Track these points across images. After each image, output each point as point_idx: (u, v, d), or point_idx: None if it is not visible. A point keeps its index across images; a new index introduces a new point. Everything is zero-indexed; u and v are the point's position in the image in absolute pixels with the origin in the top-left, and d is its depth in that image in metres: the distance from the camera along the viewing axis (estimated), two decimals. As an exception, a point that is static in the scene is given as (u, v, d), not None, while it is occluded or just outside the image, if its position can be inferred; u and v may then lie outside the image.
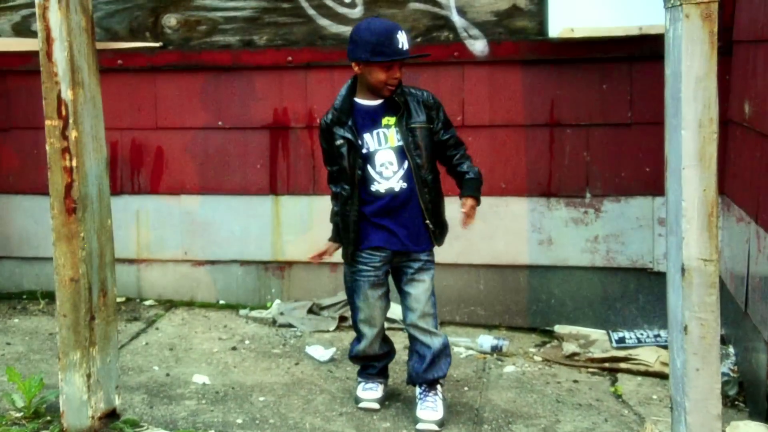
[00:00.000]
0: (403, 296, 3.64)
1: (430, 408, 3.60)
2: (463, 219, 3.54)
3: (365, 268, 3.60)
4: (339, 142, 3.52)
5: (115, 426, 3.53)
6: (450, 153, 3.61)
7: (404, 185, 3.53)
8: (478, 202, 3.58)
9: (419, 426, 3.56)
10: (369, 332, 3.69)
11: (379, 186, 3.53)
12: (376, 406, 3.77)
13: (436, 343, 3.61)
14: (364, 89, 3.53)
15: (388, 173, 3.52)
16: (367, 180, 3.53)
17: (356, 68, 3.49)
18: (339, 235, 3.66)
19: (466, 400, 3.92)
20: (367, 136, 3.53)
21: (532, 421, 3.72)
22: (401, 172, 3.53)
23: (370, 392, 3.81)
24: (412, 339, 3.65)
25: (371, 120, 3.53)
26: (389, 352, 3.85)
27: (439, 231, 3.63)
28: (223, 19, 4.99)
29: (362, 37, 3.44)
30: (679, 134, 2.92)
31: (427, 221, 3.56)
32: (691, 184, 2.93)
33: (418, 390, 3.69)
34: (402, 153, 3.51)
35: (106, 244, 3.51)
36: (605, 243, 4.77)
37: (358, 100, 3.56)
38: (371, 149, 3.52)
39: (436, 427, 3.54)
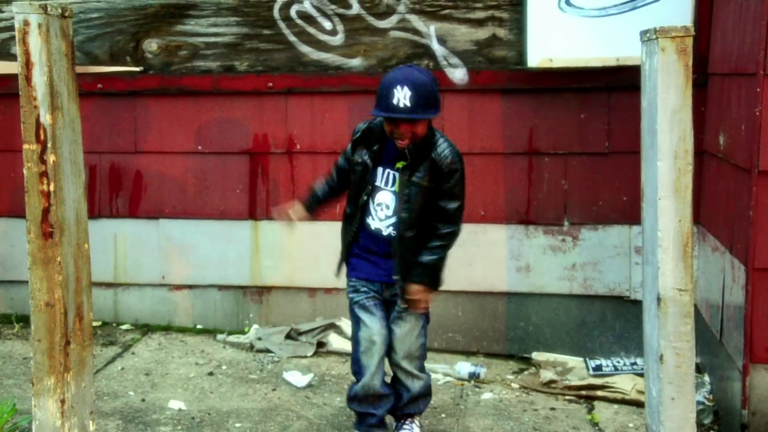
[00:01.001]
0: (390, 334, 3.52)
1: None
2: (410, 306, 3.45)
3: (358, 295, 3.53)
4: (359, 160, 3.44)
5: (89, 452, 3.49)
6: (433, 223, 3.42)
7: (392, 232, 3.43)
8: (425, 287, 3.42)
9: None
10: (371, 362, 3.46)
11: (372, 222, 3.46)
12: None
13: (416, 386, 3.58)
14: None
15: (381, 215, 3.44)
16: (366, 210, 3.47)
17: None
18: (311, 204, 3.66)
19: (443, 428, 3.91)
20: (379, 170, 3.44)
21: (509, 449, 3.72)
22: (393, 220, 3.43)
23: None
24: (394, 376, 3.61)
25: (391, 157, 3.41)
26: (390, 394, 3.60)
27: (435, 283, 3.51)
28: (204, 45, 5.00)
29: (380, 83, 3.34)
30: (655, 165, 2.95)
31: (396, 276, 3.44)
32: (667, 214, 2.95)
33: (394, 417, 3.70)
34: (399, 200, 3.42)
35: (83, 268, 3.49)
36: (583, 271, 4.79)
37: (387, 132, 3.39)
38: (376, 184, 3.44)
39: None
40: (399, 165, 3.39)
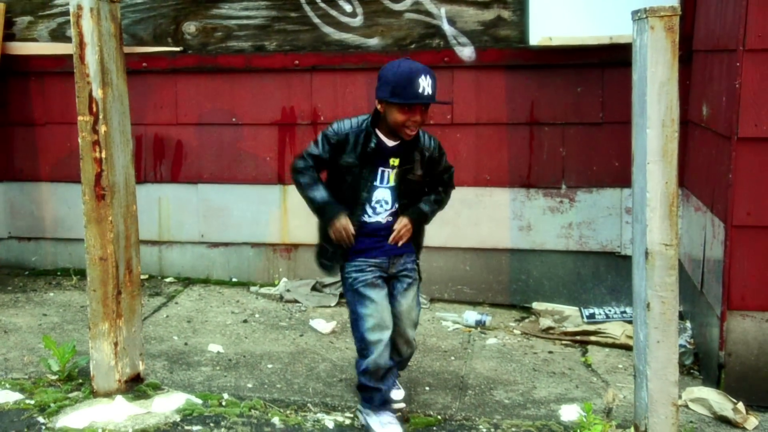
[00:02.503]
0: (393, 303, 3.28)
1: (395, 387, 3.37)
2: (392, 235, 3.24)
3: (362, 274, 3.24)
4: (353, 162, 3.18)
5: (140, 388, 3.56)
6: (431, 187, 3.35)
7: (391, 219, 3.25)
8: (412, 224, 3.25)
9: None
10: (382, 337, 3.18)
11: (369, 218, 3.24)
12: None
13: (408, 352, 3.39)
14: (384, 127, 3.16)
15: (380, 210, 3.24)
16: (363, 208, 3.24)
17: (378, 106, 3.14)
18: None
19: (452, 369, 3.95)
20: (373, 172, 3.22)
21: (512, 387, 3.75)
22: (393, 209, 3.26)
23: (393, 428, 3.24)
24: (392, 341, 3.26)
25: (383, 157, 3.19)
26: (394, 365, 3.32)
27: (418, 248, 3.41)
28: (237, 27, 5.00)
29: (386, 77, 3.09)
30: (645, 133, 2.95)
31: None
32: (655, 177, 2.96)
33: None
34: (397, 192, 3.25)
35: (131, 226, 3.54)
36: (578, 229, 4.79)
37: (379, 133, 3.18)
38: (375, 183, 3.22)
39: (403, 404, 3.40)
40: (395, 162, 3.20)
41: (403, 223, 3.24)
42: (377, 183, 3.22)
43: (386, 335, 3.19)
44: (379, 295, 3.23)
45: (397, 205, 3.26)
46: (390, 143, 3.19)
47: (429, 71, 3.07)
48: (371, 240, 3.25)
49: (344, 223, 3.16)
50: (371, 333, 3.18)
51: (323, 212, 3.23)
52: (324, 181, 3.28)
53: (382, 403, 3.27)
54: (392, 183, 3.23)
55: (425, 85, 3.04)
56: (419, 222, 3.31)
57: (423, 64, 3.10)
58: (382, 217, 3.26)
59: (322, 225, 3.28)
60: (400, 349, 3.34)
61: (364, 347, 3.21)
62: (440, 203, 3.37)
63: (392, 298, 3.30)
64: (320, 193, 3.23)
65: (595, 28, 4.47)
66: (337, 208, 3.19)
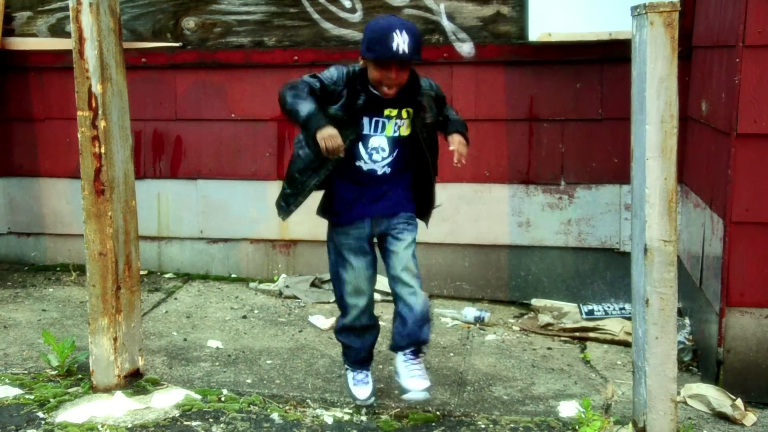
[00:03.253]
0: (387, 255, 3.27)
1: (418, 376, 3.22)
2: (455, 155, 3.19)
3: (346, 238, 3.26)
4: (339, 112, 3.10)
5: (139, 384, 3.56)
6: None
7: (387, 170, 3.22)
8: (465, 138, 3.26)
9: (410, 396, 3.23)
10: (358, 303, 3.27)
11: (364, 165, 3.19)
12: (371, 401, 3.42)
13: (419, 302, 3.18)
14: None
15: (377, 157, 3.19)
16: (354, 155, 3.18)
17: (361, 62, 3.12)
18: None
19: (451, 365, 3.96)
20: (365, 120, 3.14)
21: (510, 383, 3.75)
22: (389, 159, 3.21)
23: (363, 388, 3.41)
24: (396, 297, 3.24)
25: (375, 106, 3.12)
26: (375, 324, 3.41)
27: (426, 204, 3.37)
28: (237, 22, 4.99)
29: (365, 32, 3.07)
30: (644, 129, 2.95)
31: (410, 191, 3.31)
32: (654, 173, 2.96)
33: (401, 357, 3.27)
34: (395, 143, 3.19)
35: (130, 222, 3.54)
36: (577, 226, 4.79)
37: (370, 86, 3.12)
38: (364, 132, 3.16)
39: (427, 395, 3.26)
40: (392, 112, 3.14)
41: (458, 139, 3.23)
42: (369, 131, 3.16)
43: (362, 301, 3.28)
44: (360, 262, 3.25)
45: (396, 154, 3.21)
46: (379, 94, 3.12)
47: (408, 27, 2.98)
48: (360, 194, 3.23)
49: (332, 132, 2.96)
50: (349, 297, 3.29)
51: (308, 122, 3.00)
52: (312, 98, 3.06)
53: (357, 361, 3.43)
54: (390, 133, 3.17)
55: (400, 41, 2.94)
56: (466, 132, 3.31)
57: (405, 20, 3.05)
58: (379, 166, 3.22)
59: (310, 142, 3.10)
60: (403, 297, 3.20)
61: (342, 308, 3.36)
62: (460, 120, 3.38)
63: (385, 250, 3.29)
64: (308, 106, 3.01)
65: (595, 24, 4.46)
66: (322, 118, 2.99)
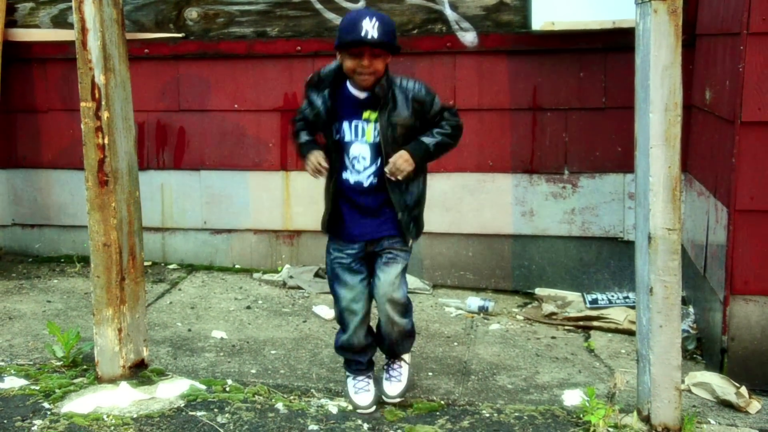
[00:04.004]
0: (375, 275, 3.22)
1: (394, 379, 3.39)
2: (388, 168, 3.06)
3: (340, 255, 3.24)
4: (317, 110, 3.13)
5: (144, 374, 3.57)
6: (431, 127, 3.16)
7: (374, 181, 3.13)
8: (412, 157, 3.05)
9: (385, 399, 3.37)
10: (352, 320, 3.27)
11: (350, 176, 3.15)
12: (372, 410, 3.32)
13: (394, 333, 3.28)
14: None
15: (359, 167, 3.13)
16: (340, 166, 3.16)
17: (338, 58, 3.08)
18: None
19: (455, 354, 3.96)
20: (345, 125, 3.11)
21: (515, 372, 3.76)
22: (373, 168, 3.12)
23: (363, 395, 3.34)
24: (380, 315, 3.26)
25: (353, 109, 3.10)
26: (373, 343, 3.39)
27: (414, 227, 3.21)
28: (239, 12, 4.98)
29: (339, 25, 3.07)
30: (648, 117, 2.94)
31: (399, 217, 3.15)
32: (658, 161, 2.95)
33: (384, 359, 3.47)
34: (377, 149, 3.09)
35: (134, 213, 3.54)
36: (581, 215, 4.79)
37: (348, 84, 3.11)
38: (346, 139, 3.12)
39: (399, 399, 3.37)
40: (371, 115, 3.08)
41: (398, 155, 3.05)
42: (351, 138, 3.12)
43: (356, 318, 3.26)
44: (353, 278, 3.24)
45: (379, 163, 3.10)
46: (360, 94, 3.09)
47: (378, 15, 2.96)
48: (352, 212, 3.19)
49: (315, 155, 3.12)
50: (344, 313, 3.29)
51: (300, 153, 3.25)
52: (307, 127, 3.25)
53: (359, 371, 3.40)
54: (370, 139, 3.09)
55: (369, 27, 2.91)
56: (419, 154, 3.08)
57: (378, 12, 3.01)
58: (363, 177, 3.14)
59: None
60: (383, 328, 3.28)
61: (340, 323, 3.36)
62: (444, 135, 3.13)
63: (374, 270, 3.24)
64: (301, 138, 3.26)
65: (598, 13, 4.45)
66: (310, 147, 3.19)
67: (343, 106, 3.11)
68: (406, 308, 3.27)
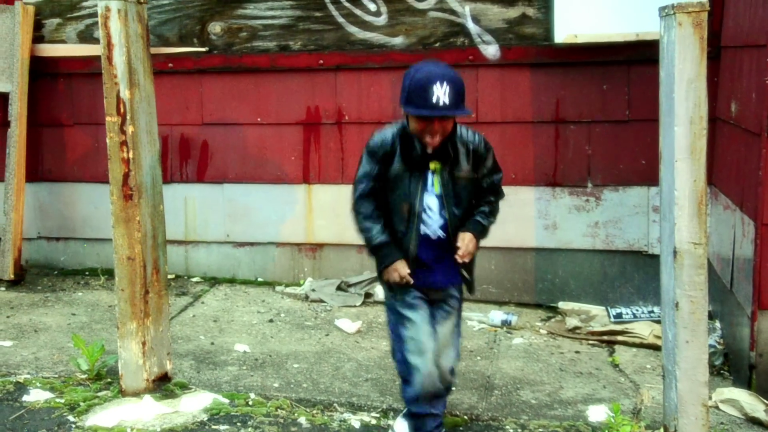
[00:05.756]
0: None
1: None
2: (458, 252, 2.99)
3: (405, 295, 3.06)
4: (399, 171, 2.98)
5: (167, 388, 3.58)
6: (480, 196, 3.10)
7: (442, 234, 3.02)
8: (476, 240, 3.03)
9: None
10: (422, 363, 2.99)
11: (424, 228, 3.02)
12: None
13: (442, 388, 3.10)
14: None
15: (428, 220, 3.01)
16: (420, 218, 3.02)
17: (402, 113, 2.98)
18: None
19: (478, 368, 3.94)
20: (414, 178, 3.00)
21: (538, 387, 3.73)
22: (440, 221, 3.01)
23: None
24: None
25: (424, 162, 2.98)
26: (446, 392, 3.17)
27: (471, 278, 3.15)
28: (262, 27, 5.01)
29: (404, 83, 2.89)
30: (672, 130, 2.92)
31: (462, 271, 3.09)
32: (683, 175, 2.93)
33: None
34: (441, 201, 3.01)
35: (158, 226, 3.56)
36: (605, 228, 4.76)
37: (414, 138, 2.98)
38: (415, 191, 3.01)
39: None
40: (433, 167, 2.99)
41: (467, 239, 2.99)
42: (420, 189, 3.00)
43: (428, 360, 3.00)
44: (420, 316, 3.04)
45: (445, 215, 3.01)
46: (429, 142, 2.95)
47: (448, 77, 2.83)
48: (420, 268, 3.04)
49: (400, 268, 2.99)
50: (413, 356, 3.01)
51: (378, 256, 3.05)
52: (380, 214, 3.04)
53: (436, 428, 3.11)
54: (437, 191, 3.00)
55: (440, 94, 2.80)
56: (480, 235, 3.06)
57: (446, 69, 2.89)
58: (431, 231, 3.02)
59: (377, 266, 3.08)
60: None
61: (406, 372, 3.04)
62: (493, 214, 3.13)
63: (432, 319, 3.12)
64: (375, 232, 3.02)
65: (621, 25, 4.43)
66: (393, 255, 3.00)
67: (411, 160, 2.99)
68: (455, 360, 3.17)
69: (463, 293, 3.20)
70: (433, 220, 3.03)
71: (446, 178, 3.00)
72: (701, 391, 3.01)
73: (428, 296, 3.10)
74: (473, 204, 3.08)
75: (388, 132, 3.03)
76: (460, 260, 2.99)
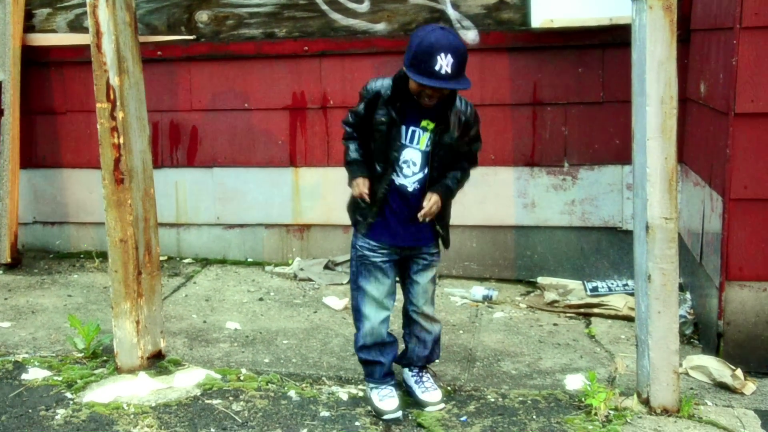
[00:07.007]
0: (411, 284, 3.21)
1: (431, 388, 3.29)
2: (421, 212, 3.03)
3: (373, 254, 3.13)
4: (383, 119, 3.00)
5: (161, 365, 3.59)
6: (456, 160, 3.11)
7: (417, 187, 3.05)
8: (441, 201, 3.06)
9: (429, 409, 3.22)
10: (380, 315, 3.14)
11: (397, 179, 3.05)
12: (400, 414, 3.17)
13: (436, 329, 3.30)
14: None
15: (408, 172, 3.04)
16: (394, 167, 3.06)
17: (403, 68, 2.94)
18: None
19: (461, 342, 3.97)
20: (402, 129, 3.02)
21: (518, 359, 3.76)
22: (420, 176, 3.05)
23: (389, 401, 3.17)
24: (415, 323, 3.25)
25: (415, 116, 3.00)
26: (395, 342, 3.26)
27: (446, 234, 3.20)
28: (248, 15, 4.98)
29: (411, 43, 2.88)
30: (644, 110, 2.94)
31: (437, 226, 3.14)
32: (654, 153, 2.95)
33: (409, 372, 3.35)
34: (427, 158, 3.03)
35: (150, 210, 3.55)
36: (581, 206, 4.78)
37: (411, 91, 2.98)
38: (402, 141, 3.03)
39: (443, 405, 3.25)
40: (424, 124, 3.00)
41: (433, 200, 3.03)
42: (406, 142, 3.02)
43: (384, 315, 3.14)
44: (385, 278, 3.14)
45: (426, 171, 3.04)
46: (425, 102, 2.97)
47: (454, 48, 2.81)
48: (393, 217, 3.08)
49: (361, 185, 3.05)
50: (369, 308, 3.14)
51: (348, 170, 3.15)
52: (358, 140, 3.12)
53: (383, 376, 3.22)
54: (423, 146, 3.02)
55: (443, 64, 2.79)
56: (446, 197, 3.10)
57: (453, 40, 2.85)
58: (409, 182, 3.05)
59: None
60: (423, 326, 3.25)
61: (359, 319, 3.18)
62: (462, 180, 3.17)
63: (408, 277, 3.22)
64: (351, 152, 3.14)
65: (596, 10, 4.44)
66: (358, 172, 3.09)
67: (403, 111, 3.00)
68: (433, 308, 3.28)
69: (440, 248, 3.25)
70: (413, 174, 3.06)
71: (435, 139, 3.02)
72: (672, 359, 3.05)
73: (402, 253, 3.16)
74: (446, 167, 3.11)
75: (378, 82, 3.06)
76: (420, 219, 3.04)
